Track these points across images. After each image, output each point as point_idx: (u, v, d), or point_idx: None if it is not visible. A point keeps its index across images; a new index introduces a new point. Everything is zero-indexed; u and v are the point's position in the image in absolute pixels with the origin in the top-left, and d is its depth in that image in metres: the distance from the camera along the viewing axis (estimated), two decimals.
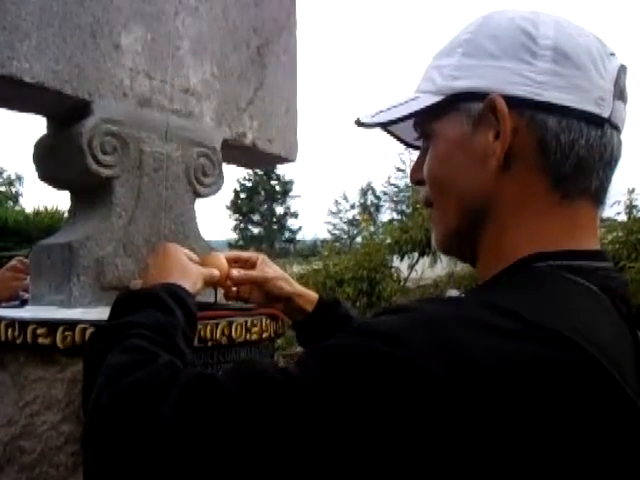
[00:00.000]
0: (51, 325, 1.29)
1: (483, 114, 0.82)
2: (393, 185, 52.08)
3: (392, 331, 0.68)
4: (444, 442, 0.61)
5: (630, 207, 9.61)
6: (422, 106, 0.87)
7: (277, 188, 50.36)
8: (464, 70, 0.85)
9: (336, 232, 50.60)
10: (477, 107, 0.83)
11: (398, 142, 1.06)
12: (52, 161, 1.61)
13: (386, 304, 9.61)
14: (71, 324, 1.28)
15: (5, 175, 38.98)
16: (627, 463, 0.67)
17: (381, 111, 0.93)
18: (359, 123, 0.94)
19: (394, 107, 0.92)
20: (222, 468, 0.70)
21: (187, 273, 1.24)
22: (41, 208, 13.23)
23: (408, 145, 1.05)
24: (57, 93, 1.43)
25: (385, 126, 0.98)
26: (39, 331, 1.29)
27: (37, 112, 1.60)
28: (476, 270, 0.92)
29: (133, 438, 0.77)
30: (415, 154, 1.00)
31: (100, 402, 0.84)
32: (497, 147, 0.81)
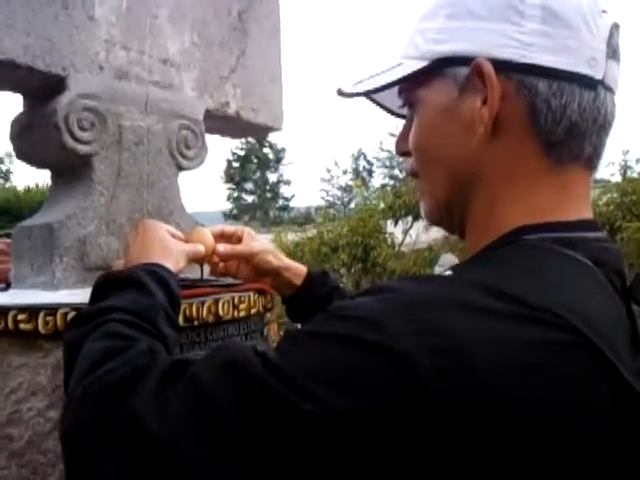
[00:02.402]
0: (32, 311, 1.26)
1: (469, 79, 0.78)
2: (385, 150, 52.01)
3: (372, 315, 0.64)
4: (429, 429, 0.58)
5: (625, 168, 9.64)
6: (405, 73, 0.83)
7: (270, 156, 50.29)
8: (448, 33, 0.80)
9: (329, 199, 50.65)
10: (463, 72, 0.79)
11: (383, 111, 1.02)
12: (29, 139, 1.56)
13: (381, 269, 9.66)
14: (52, 309, 1.26)
15: None
16: (621, 443, 0.65)
17: (363, 80, 0.89)
18: (341, 93, 0.90)
19: (377, 75, 0.87)
20: (200, 461, 0.67)
21: (169, 251, 1.21)
22: (32, 185, 13.18)
23: (394, 114, 1.01)
24: (29, 69, 1.38)
25: (367, 95, 0.93)
26: (20, 317, 1.26)
27: (10, 89, 1.53)
28: (465, 241, 0.88)
29: (108, 432, 0.75)
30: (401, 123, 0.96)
31: (75, 394, 0.83)
32: (485, 113, 0.77)
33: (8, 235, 2.39)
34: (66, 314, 1.24)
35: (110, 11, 1.52)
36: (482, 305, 0.63)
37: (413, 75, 0.83)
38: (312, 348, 0.67)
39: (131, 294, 1.02)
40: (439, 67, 0.81)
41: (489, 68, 0.75)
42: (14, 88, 1.54)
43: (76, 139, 1.45)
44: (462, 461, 0.58)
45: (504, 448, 0.59)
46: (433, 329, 0.61)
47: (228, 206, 48.71)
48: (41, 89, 1.48)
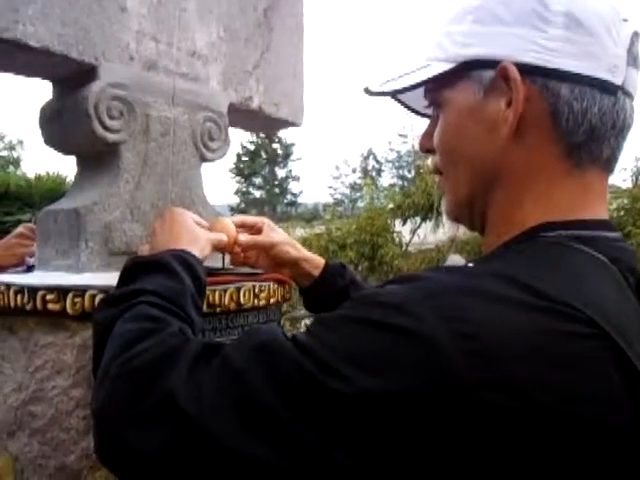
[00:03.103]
0: (61, 291, 1.29)
1: (495, 82, 0.81)
2: (395, 151, 51.87)
3: (400, 302, 0.68)
4: (454, 411, 0.62)
5: (636, 174, 9.59)
6: (433, 74, 0.86)
7: (279, 151, 50.16)
8: (475, 37, 0.83)
9: (337, 196, 50.51)
10: (489, 75, 0.82)
11: (407, 110, 1.05)
12: (58, 126, 1.60)
13: (388, 268, 9.65)
14: (81, 290, 1.29)
15: (6, 140, 38.80)
16: (637, 432, 0.67)
17: (390, 79, 0.92)
18: (368, 92, 0.93)
19: (404, 75, 0.91)
20: (233, 439, 0.70)
21: (195, 239, 1.24)
22: (43, 173, 13.17)
23: (417, 113, 1.04)
24: (63, 57, 1.42)
25: (394, 95, 0.97)
26: (49, 297, 1.29)
27: (42, 76, 1.58)
28: (484, 238, 0.91)
29: (142, 410, 0.78)
30: (424, 122, 0.99)
31: (109, 372, 0.85)
32: (509, 115, 0.80)
33: (20, 222, 2.42)
34: (94, 296, 1.27)
35: (141, 3, 1.56)
36: (503, 295, 0.67)
37: (440, 77, 0.86)
38: (343, 332, 0.70)
39: (160, 278, 1.05)
40: (465, 69, 0.84)
41: (514, 72, 0.78)
42: (46, 75, 1.58)
43: (105, 127, 1.48)
44: (481, 442, 0.62)
45: (522, 433, 0.62)
46: (457, 315, 0.65)
47: (236, 200, 48.64)
48: (73, 77, 1.51)
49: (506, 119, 0.81)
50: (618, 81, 0.79)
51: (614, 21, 0.80)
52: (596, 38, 0.78)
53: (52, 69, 1.51)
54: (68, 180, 11.91)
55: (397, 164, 50.23)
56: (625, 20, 0.82)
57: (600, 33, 0.78)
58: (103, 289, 1.27)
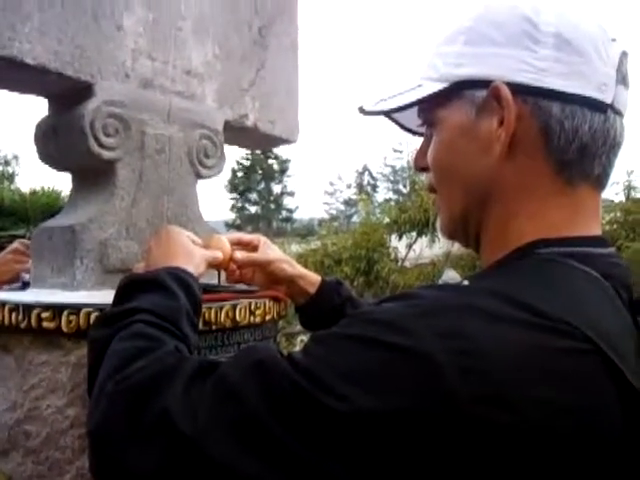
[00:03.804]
0: (56, 309, 1.29)
1: (487, 101, 0.82)
2: (389, 166, 52.06)
3: (396, 319, 0.69)
4: (450, 428, 0.62)
5: (629, 188, 9.67)
6: (426, 94, 0.88)
7: (274, 167, 50.26)
8: (467, 57, 0.84)
9: (332, 212, 50.61)
10: (481, 94, 0.83)
11: (401, 129, 1.06)
12: (53, 143, 1.60)
13: (384, 283, 9.67)
14: (76, 308, 1.28)
15: (1, 155, 38.79)
16: (629, 446, 0.68)
17: (384, 99, 0.94)
18: (363, 111, 0.94)
19: (398, 95, 0.92)
20: (227, 456, 0.70)
21: (190, 256, 1.24)
22: (37, 188, 13.16)
23: (411, 132, 1.05)
24: (59, 75, 1.42)
25: (389, 114, 0.97)
26: (44, 315, 1.29)
27: (38, 94, 1.58)
28: (480, 255, 0.92)
29: (138, 428, 0.78)
30: (418, 140, 1.00)
31: (104, 391, 0.85)
32: (501, 134, 0.81)
33: (14, 237, 2.41)
34: (89, 314, 1.27)
35: (137, 22, 1.57)
36: (497, 312, 0.68)
37: (433, 96, 0.87)
38: (339, 350, 0.70)
39: (156, 296, 1.05)
40: (458, 89, 0.85)
41: (506, 91, 0.80)
42: (42, 92, 1.58)
43: (101, 144, 1.49)
44: (478, 458, 0.62)
45: (517, 448, 0.62)
46: (453, 332, 0.66)
47: (231, 216, 48.69)
48: (69, 94, 1.51)
49: (498, 138, 0.82)
50: (608, 99, 0.80)
51: (603, 41, 0.81)
52: (585, 58, 0.79)
53: (48, 86, 1.52)
54: (63, 195, 11.89)
55: (392, 179, 50.41)
56: (614, 40, 0.83)
57: (589, 53, 0.79)
58: (98, 307, 1.27)
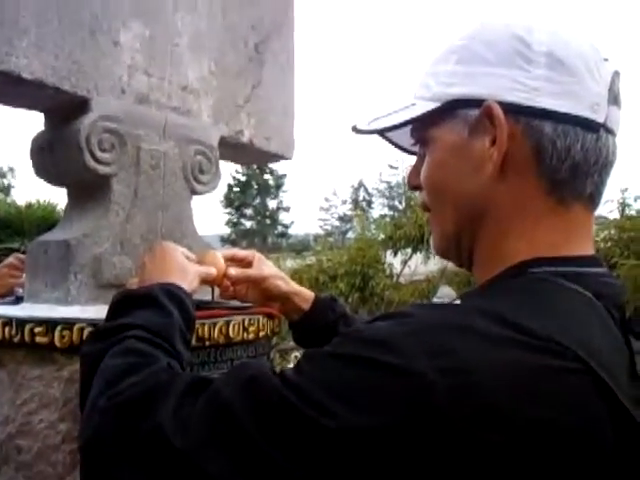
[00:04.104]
0: (49, 324, 1.29)
1: (479, 120, 0.83)
2: (385, 182, 52.15)
3: (388, 338, 0.69)
4: (440, 447, 0.62)
5: (623, 206, 9.70)
6: (418, 113, 0.88)
7: (270, 182, 50.30)
8: (460, 77, 0.85)
9: (327, 228, 50.64)
10: (473, 113, 0.83)
11: (395, 148, 1.07)
12: (49, 157, 1.61)
13: (378, 299, 9.67)
14: (69, 323, 1.28)
15: None
16: (619, 463, 0.68)
17: (377, 118, 0.94)
18: (356, 130, 0.95)
19: (391, 114, 0.92)
20: (220, 472, 0.70)
21: (184, 272, 1.24)
22: (33, 201, 13.16)
23: (405, 151, 1.05)
24: (55, 89, 1.43)
25: (382, 133, 0.98)
26: (37, 330, 1.29)
27: (35, 108, 1.59)
28: (473, 273, 0.92)
29: (130, 444, 0.78)
30: (413, 158, 1.01)
31: (97, 406, 0.85)
32: (493, 153, 0.82)
33: (9, 250, 2.42)
34: (82, 329, 1.27)
35: (134, 38, 1.58)
36: (488, 331, 0.68)
37: (426, 115, 0.87)
38: (330, 368, 0.71)
39: (149, 312, 1.05)
40: (450, 108, 0.86)
41: (498, 111, 0.80)
42: (39, 107, 1.59)
43: (96, 159, 1.49)
44: (468, 475, 0.62)
45: (507, 466, 0.63)
46: (443, 351, 0.66)
47: (226, 231, 48.65)
48: (65, 109, 1.52)
49: (491, 157, 0.82)
50: (600, 119, 0.81)
51: (595, 60, 0.82)
52: (578, 77, 0.80)
53: (44, 101, 1.52)
54: (59, 209, 11.90)
55: (388, 195, 50.50)
56: (606, 59, 0.84)
57: (581, 72, 0.80)
58: (92, 322, 1.27)
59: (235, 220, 49.73)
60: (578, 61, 0.80)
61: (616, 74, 0.84)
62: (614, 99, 0.83)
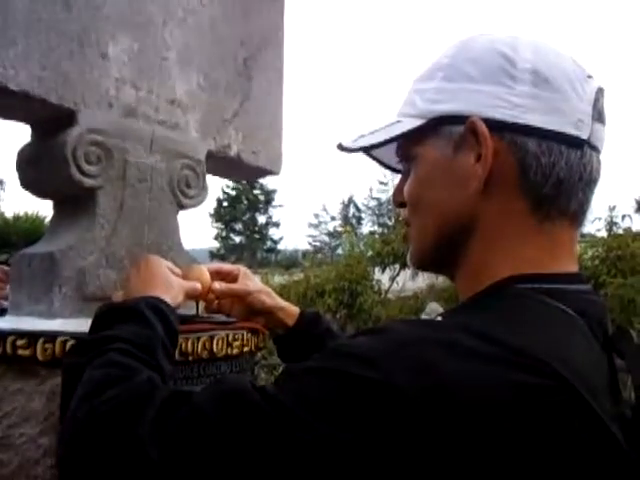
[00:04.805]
0: (31, 337, 1.28)
1: (464, 137, 0.83)
2: (375, 198, 52.30)
3: (368, 354, 0.69)
4: (418, 465, 0.62)
5: (611, 224, 9.77)
6: (404, 130, 0.88)
7: (260, 197, 50.37)
8: (445, 94, 0.86)
9: (316, 244, 50.68)
10: (458, 130, 0.84)
11: (380, 166, 1.07)
12: (35, 169, 1.60)
13: (366, 316, 9.67)
14: (51, 336, 1.28)
15: None
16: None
17: (363, 135, 0.94)
18: (341, 148, 0.95)
19: (376, 131, 0.93)
20: None
21: (169, 286, 1.24)
22: (21, 213, 13.14)
23: (390, 168, 1.06)
24: (42, 101, 1.42)
25: (367, 150, 0.98)
26: (19, 342, 1.27)
27: (21, 120, 1.58)
28: (456, 286, 0.93)
29: (108, 456, 0.78)
30: (397, 177, 1.01)
31: (76, 418, 0.85)
32: (478, 169, 0.82)
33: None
34: (65, 342, 1.26)
35: (122, 51, 1.57)
36: (468, 347, 0.68)
37: (411, 132, 0.88)
38: (309, 381, 0.71)
39: (132, 325, 1.05)
40: (435, 125, 0.86)
41: (483, 127, 0.81)
42: (25, 119, 1.58)
43: (82, 172, 1.48)
44: None
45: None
46: (422, 367, 0.66)
47: (215, 245, 48.65)
48: (51, 121, 1.51)
49: (475, 173, 0.82)
50: (584, 135, 0.81)
51: (579, 78, 0.82)
52: (562, 94, 0.81)
53: (31, 113, 1.52)
54: (47, 221, 11.87)
55: (378, 212, 50.62)
56: (590, 77, 0.85)
57: (565, 89, 0.81)
58: (74, 335, 1.26)
59: (224, 235, 49.75)
60: (562, 78, 0.81)
61: (600, 91, 0.85)
62: (598, 116, 0.83)
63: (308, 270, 11.17)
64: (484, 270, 0.84)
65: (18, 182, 1.66)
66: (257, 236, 50.66)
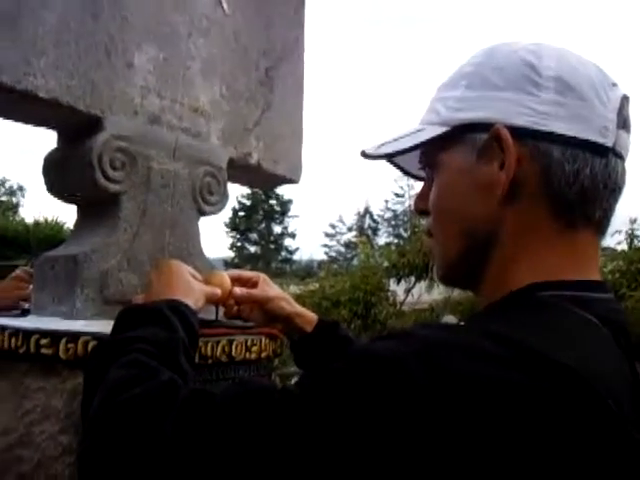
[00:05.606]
0: (54, 336, 1.30)
1: (488, 144, 0.83)
2: (391, 210, 52.19)
3: (390, 356, 0.69)
4: (438, 466, 0.62)
5: (631, 237, 9.65)
6: (428, 137, 0.89)
7: (276, 207, 50.35)
8: (468, 102, 0.86)
9: (332, 254, 50.58)
10: (482, 138, 0.84)
11: (402, 173, 1.07)
12: (61, 174, 1.64)
13: (381, 327, 9.61)
14: (74, 336, 1.30)
15: (7, 185, 39.02)
16: None
17: (386, 142, 0.95)
18: (365, 155, 0.95)
19: (399, 138, 0.93)
20: None
21: (190, 290, 1.26)
22: (41, 219, 13.19)
23: (411, 176, 1.06)
24: (71, 108, 1.46)
25: (391, 157, 0.99)
26: (42, 341, 1.30)
27: (50, 126, 1.62)
28: (478, 297, 0.92)
29: (130, 453, 0.79)
30: (420, 185, 1.02)
31: (99, 416, 0.86)
32: (502, 177, 0.82)
33: (14, 267, 2.43)
34: (87, 342, 1.28)
35: (148, 61, 1.61)
36: (491, 352, 0.67)
37: (434, 140, 0.88)
38: (332, 383, 0.71)
39: (154, 327, 1.07)
40: (459, 133, 0.87)
41: (507, 135, 0.81)
42: (54, 125, 1.62)
43: (107, 177, 1.52)
44: None
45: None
46: (444, 371, 0.66)
47: (230, 254, 48.61)
48: (79, 128, 1.55)
49: (499, 181, 0.82)
50: (609, 143, 0.81)
51: (603, 85, 0.82)
52: (586, 102, 0.81)
53: (59, 120, 1.56)
54: (66, 227, 11.93)
55: (394, 223, 50.46)
56: (615, 84, 0.84)
57: (590, 97, 0.81)
58: (96, 336, 1.28)
59: (239, 244, 49.73)
60: (586, 85, 0.81)
61: (625, 99, 0.84)
62: (623, 123, 0.83)
63: (323, 280, 11.14)
64: (507, 278, 0.84)
65: (44, 186, 1.70)
66: (272, 246, 50.61)
